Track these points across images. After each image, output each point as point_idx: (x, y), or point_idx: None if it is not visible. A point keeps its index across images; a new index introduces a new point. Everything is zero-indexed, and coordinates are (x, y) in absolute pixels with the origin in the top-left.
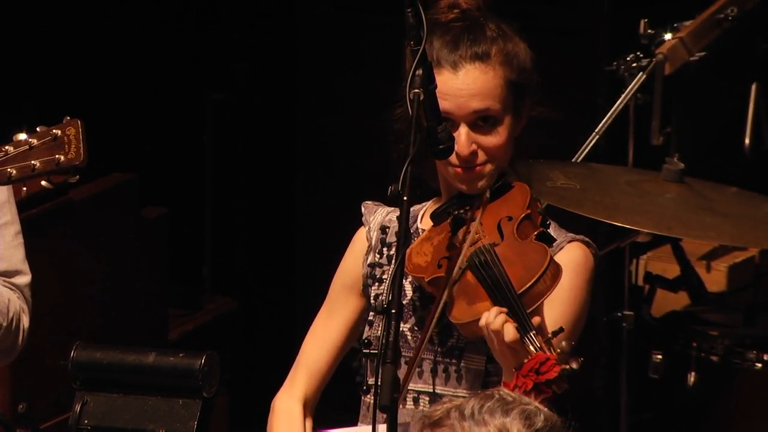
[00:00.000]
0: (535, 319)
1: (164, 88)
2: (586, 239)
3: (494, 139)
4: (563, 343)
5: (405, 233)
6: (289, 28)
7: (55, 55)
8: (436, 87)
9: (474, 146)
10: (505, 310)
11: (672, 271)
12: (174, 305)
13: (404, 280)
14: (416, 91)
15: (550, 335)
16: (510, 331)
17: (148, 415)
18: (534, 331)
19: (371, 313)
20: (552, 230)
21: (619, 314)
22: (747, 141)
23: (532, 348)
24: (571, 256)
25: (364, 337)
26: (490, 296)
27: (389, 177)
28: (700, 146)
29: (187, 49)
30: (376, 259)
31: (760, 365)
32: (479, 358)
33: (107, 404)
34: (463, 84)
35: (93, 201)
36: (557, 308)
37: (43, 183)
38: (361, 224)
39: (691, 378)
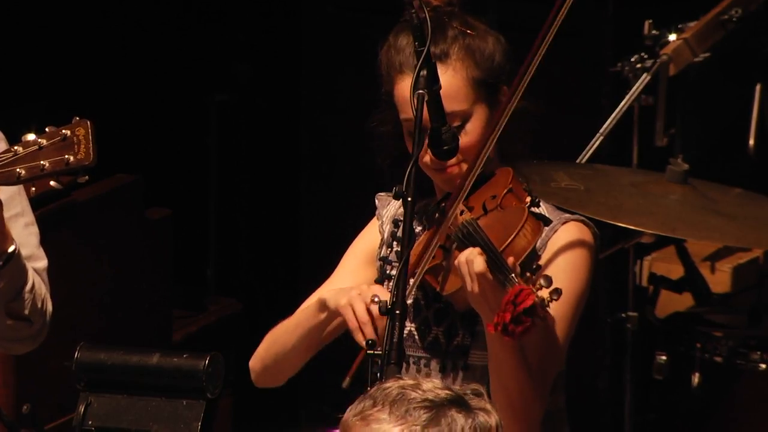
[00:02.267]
0: (510, 260)
1: (168, 89)
2: (582, 217)
3: (464, 138)
4: (541, 279)
5: (409, 233)
6: (293, 28)
7: (59, 56)
8: (440, 87)
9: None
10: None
11: (676, 272)
12: (178, 306)
13: (411, 278)
14: (420, 91)
15: (528, 274)
16: (479, 262)
17: (151, 416)
18: (512, 273)
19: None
20: (548, 212)
21: (623, 315)
22: (751, 142)
23: (509, 286)
24: (568, 235)
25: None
26: None
27: (392, 178)
28: (705, 147)
29: (191, 50)
30: (387, 254)
31: (764, 366)
32: (484, 354)
33: (111, 405)
34: None
35: (97, 202)
36: (560, 280)
37: (52, 183)
38: (373, 216)
39: (695, 379)
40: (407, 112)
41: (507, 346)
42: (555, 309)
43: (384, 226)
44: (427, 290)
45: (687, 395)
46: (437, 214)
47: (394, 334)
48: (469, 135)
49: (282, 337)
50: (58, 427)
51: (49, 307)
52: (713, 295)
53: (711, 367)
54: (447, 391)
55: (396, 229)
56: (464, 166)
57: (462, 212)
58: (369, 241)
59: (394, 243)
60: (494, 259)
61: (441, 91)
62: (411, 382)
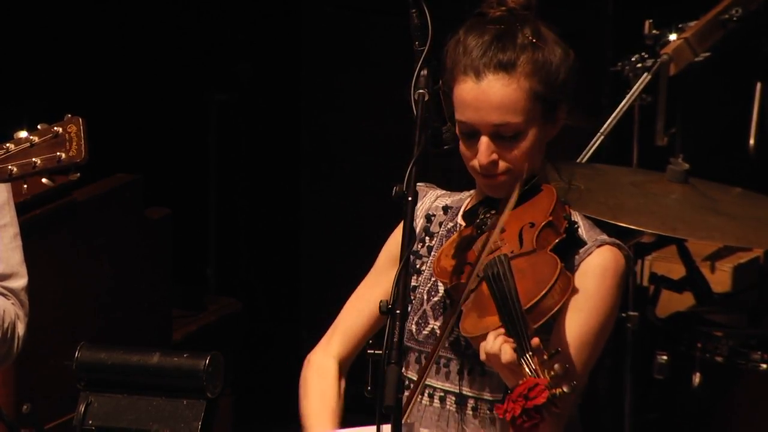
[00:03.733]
0: (534, 341)
1: (168, 88)
2: (617, 242)
3: (515, 151)
4: (556, 366)
5: (409, 234)
6: (293, 28)
7: (59, 55)
8: (440, 88)
9: (494, 156)
10: (502, 331)
11: (677, 271)
12: (178, 306)
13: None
14: (421, 91)
15: (546, 357)
16: (507, 352)
17: (152, 415)
18: (531, 353)
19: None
20: (584, 231)
21: (624, 315)
22: (752, 141)
23: (527, 370)
24: (599, 260)
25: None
26: (498, 311)
27: (394, 177)
28: (705, 147)
29: (191, 50)
30: (418, 248)
31: (764, 366)
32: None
33: (111, 405)
34: (484, 95)
35: (97, 202)
36: (581, 315)
37: (44, 181)
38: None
39: (696, 379)
40: (463, 114)
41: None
42: (578, 334)
43: (417, 221)
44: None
45: (687, 395)
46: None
47: (394, 333)
48: (520, 149)
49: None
50: (59, 426)
51: (20, 330)
52: (714, 295)
53: (712, 366)
54: None
55: (429, 224)
56: (510, 176)
57: (502, 240)
58: (400, 238)
59: (427, 238)
60: (518, 329)
61: (499, 101)
62: None
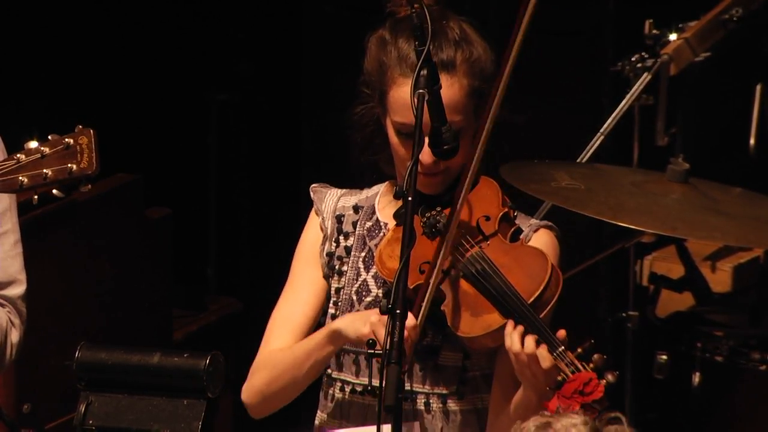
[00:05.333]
0: (560, 333)
1: (169, 88)
2: (549, 223)
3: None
4: (596, 356)
5: (410, 233)
6: (294, 28)
7: (60, 55)
8: (440, 87)
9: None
10: (521, 328)
11: (677, 271)
12: (178, 306)
13: (367, 274)
14: (421, 91)
15: (580, 350)
16: (545, 357)
17: (152, 415)
18: (562, 347)
19: (332, 306)
20: (517, 221)
21: (624, 314)
22: (752, 141)
23: (564, 365)
24: (540, 244)
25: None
26: (498, 308)
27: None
28: (705, 147)
29: (191, 50)
30: (333, 249)
31: (764, 366)
32: (455, 355)
33: (112, 404)
34: None
35: (97, 202)
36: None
37: (55, 192)
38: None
39: (696, 378)
40: (405, 116)
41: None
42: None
43: (326, 222)
44: (388, 285)
45: (687, 395)
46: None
47: (394, 333)
48: (462, 146)
49: (289, 370)
50: (59, 426)
51: (14, 338)
52: (714, 295)
53: (711, 366)
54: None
55: (340, 224)
56: (451, 174)
57: (465, 237)
58: (312, 240)
59: (341, 237)
60: (535, 325)
61: (445, 102)
62: (543, 420)
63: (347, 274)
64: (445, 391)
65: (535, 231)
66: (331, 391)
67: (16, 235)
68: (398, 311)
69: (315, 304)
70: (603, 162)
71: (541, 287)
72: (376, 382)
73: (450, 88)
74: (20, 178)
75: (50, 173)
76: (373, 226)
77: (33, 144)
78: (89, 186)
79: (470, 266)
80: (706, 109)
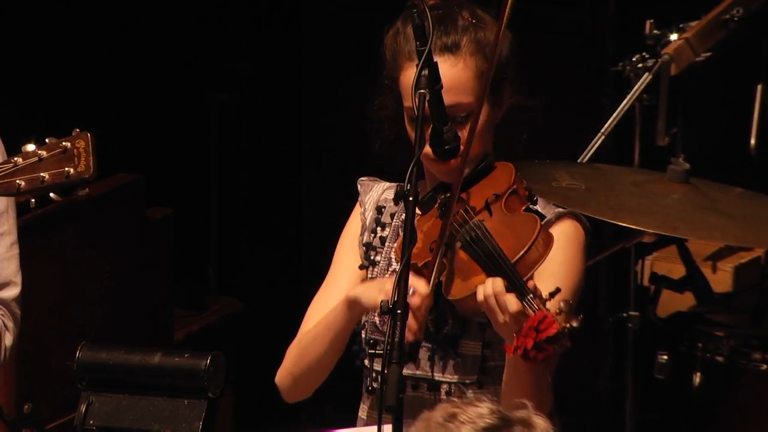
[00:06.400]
0: (530, 283)
1: (169, 88)
2: (575, 212)
3: (467, 132)
4: (561, 303)
5: (411, 232)
6: (294, 28)
7: (60, 55)
8: (441, 87)
9: None
10: (500, 278)
11: (677, 271)
12: (179, 306)
13: (397, 265)
14: (422, 91)
15: (546, 296)
16: (512, 301)
17: (153, 415)
18: (531, 295)
19: None
20: (540, 207)
21: (625, 315)
22: (752, 141)
23: (530, 311)
24: (562, 230)
25: (362, 321)
26: (484, 269)
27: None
28: (706, 147)
29: (192, 50)
30: (371, 239)
31: (765, 366)
32: (475, 344)
33: (112, 404)
34: None
35: (98, 202)
36: (555, 282)
37: (52, 195)
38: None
39: (697, 378)
40: (412, 101)
41: (523, 365)
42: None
43: (366, 213)
44: None
45: (688, 395)
46: (437, 207)
47: (395, 333)
48: (472, 130)
49: (312, 345)
50: (60, 426)
51: (7, 341)
52: (715, 295)
53: (712, 366)
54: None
55: (380, 216)
56: (463, 159)
57: (467, 210)
58: (353, 232)
59: (378, 228)
60: (511, 277)
61: (450, 83)
62: (453, 410)
63: (380, 264)
64: (466, 381)
65: (558, 218)
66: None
67: (13, 237)
68: (399, 311)
69: None
70: (603, 162)
71: (526, 247)
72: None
73: (454, 68)
74: (18, 181)
75: (47, 177)
76: (397, 219)
77: (30, 147)
78: (86, 190)
79: (466, 234)
80: (707, 109)
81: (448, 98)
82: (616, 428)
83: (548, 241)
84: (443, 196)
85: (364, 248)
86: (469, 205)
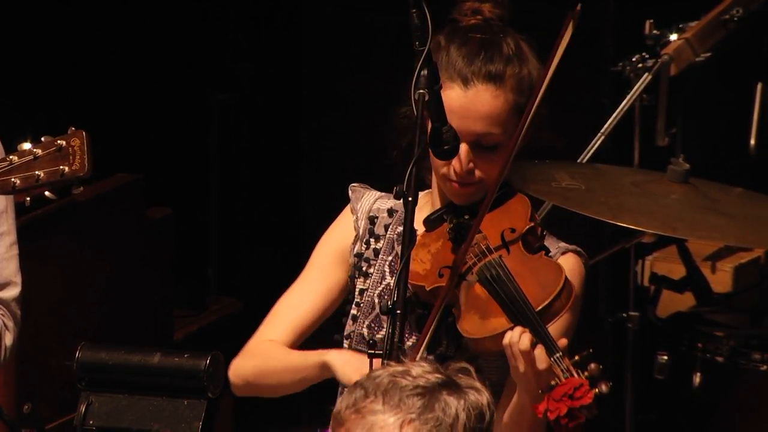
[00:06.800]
0: (562, 341)
1: (169, 88)
2: (578, 249)
3: (493, 162)
4: (592, 365)
5: (410, 235)
6: (295, 28)
7: (60, 55)
8: (441, 87)
9: (471, 165)
10: (527, 330)
11: (677, 271)
12: (179, 306)
13: (391, 278)
14: (421, 91)
15: (577, 358)
16: (542, 358)
17: (152, 415)
18: (560, 353)
19: (355, 308)
20: (546, 240)
21: (625, 315)
22: (752, 141)
23: (559, 371)
24: (566, 267)
25: (345, 333)
26: (506, 312)
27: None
28: (706, 147)
29: (192, 50)
30: (363, 250)
31: (765, 366)
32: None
33: (112, 405)
34: (471, 104)
35: (98, 202)
36: (560, 320)
37: (47, 194)
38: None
39: (697, 379)
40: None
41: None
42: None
43: (359, 222)
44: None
45: (688, 395)
46: (449, 230)
47: (394, 334)
48: (497, 161)
49: (277, 373)
50: (59, 426)
51: (7, 341)
52: (714, 295)
53: (712, 366)
54: (437, 375)
55: (372, 226)
56: (484, 185)
57: (487, 245)
58: (341, 237)
59: (372, 240)
60: (537, 329)
61: (487, 112)
62: (400, 368)
63: (372, 277)
64: None
65: (563, 254)
66: None
67: (12, 237)
68: (398, 311)
69: (323, 303)
70: (603, 162)
71: (551, 297)
72: None
73: (495, 100)
74: (13, 179)
75: (42, 175)
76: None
77: (26, 145)
78: (81, 188)
79: (486, 271)
80: (707, 109)
81: (480, 126)
82: (616, 428)
83: (571, 291)
84: (454, 220)
85: (355, 258)
86: (487, 236)
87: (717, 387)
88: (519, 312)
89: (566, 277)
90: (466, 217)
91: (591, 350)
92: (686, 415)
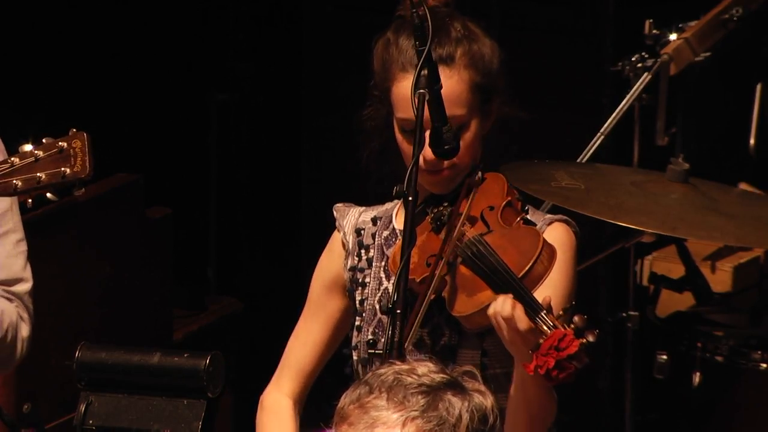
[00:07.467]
0: (545, 299)
1: (168, 88)
2: (565, 217)
3: (460, 144)
4: (576, 317)
5: (410, 234)
6: (294, 28)
7: (60, 55)
8: (441, 87)
9: None
10: (510, 295)
11: (677, 271)
12: (179, 306)
13: (388, 283)
14: (421, 91)
15: (561, 312)
16: (521, 319)
17: (152, 415)
18: (544, 311)
19: (358, 318)
20: (530, 215)
21: (624, 314)
22: (752, 141)
23: (545, 327)
24: (554, 236)
25: (352, 344)
26: (490, 285)
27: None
28: (705, 147)
29: (192, 50)
30: (356, 263)
31: (765, 366)
32: (473, 353)
33: (112, 404)
34: None
35: (97, 202)
36: (552, 290)
37: (48, 195)
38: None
39: (696, 378)
40: (405, 112)
41: (530, 380)
42: (556, 305)
43: (347, 237)
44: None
45: (688, 395)
46: (430, 221)
47: (394, 333)
48: (465, 142)
49: None
50: (59, 426)
51: (24, 333)
52: (714, 295)
53: (712, 366)
54: (442, 375)
55: (360, 238)
56: (456, 170)
57: (464, 223)
58: (331, 265)
59: (362, 251)
60: (521, 293)
61: (444, 95)
62: (406, 367)
63: (370, 285)
64: None
65: (549, 224)
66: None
67: (18, 234)
68: (398, 311)
69: (329, 333)
70: (603, 162)
71: (531, 261)
72: None
73: (449, 80)
74: (14, 181)
75: (44, 177)
76: (389, 234)
77: (27, 147)
78: (83, 190)
79: (467, 250)
80: (706, 109)
81: None
82: (616, 428)
83: (552, 253)
84: (435, 210)
85: (350, 273)
86: (468, 219)
87: (716, 386)
88: (502, 281)
89: (544, 240)
90: (445, 204)
91: (573, 302)
92: (686, 414)
